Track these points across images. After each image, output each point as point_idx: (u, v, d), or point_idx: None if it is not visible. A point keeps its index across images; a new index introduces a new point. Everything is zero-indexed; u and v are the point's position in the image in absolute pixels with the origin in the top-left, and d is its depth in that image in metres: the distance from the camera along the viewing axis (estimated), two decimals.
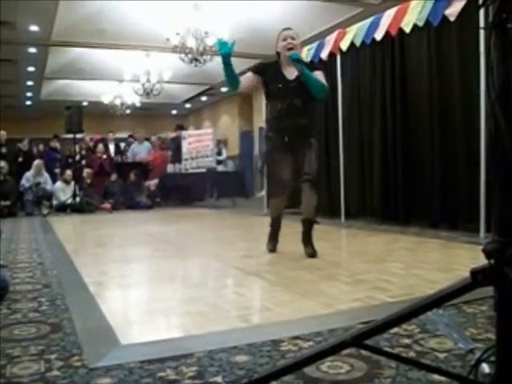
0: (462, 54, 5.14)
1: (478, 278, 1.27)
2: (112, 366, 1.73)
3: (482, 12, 4.15)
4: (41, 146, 12.83)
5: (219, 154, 13.01)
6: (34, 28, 10.17)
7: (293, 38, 3.97)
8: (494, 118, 1.27)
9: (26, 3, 8.71)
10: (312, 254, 3.94)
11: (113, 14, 9.64)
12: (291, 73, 3.95)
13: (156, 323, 2.37)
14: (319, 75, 3.93)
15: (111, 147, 12.76)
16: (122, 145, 13.42)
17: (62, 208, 9.86)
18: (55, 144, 12.42)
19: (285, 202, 4.23)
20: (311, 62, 4.40)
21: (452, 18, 5.15)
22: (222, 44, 3.65)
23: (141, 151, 12.58)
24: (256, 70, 4.08)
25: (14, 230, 6.70)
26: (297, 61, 3.78)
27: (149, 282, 3.48)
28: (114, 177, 11.25)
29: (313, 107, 4.15)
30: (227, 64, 3.71)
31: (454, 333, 1.93)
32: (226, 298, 2.80)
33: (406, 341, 1.88)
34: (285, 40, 3.96)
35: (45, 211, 9.69)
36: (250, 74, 4.06)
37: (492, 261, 1.25)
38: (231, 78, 3.85)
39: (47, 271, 3.61)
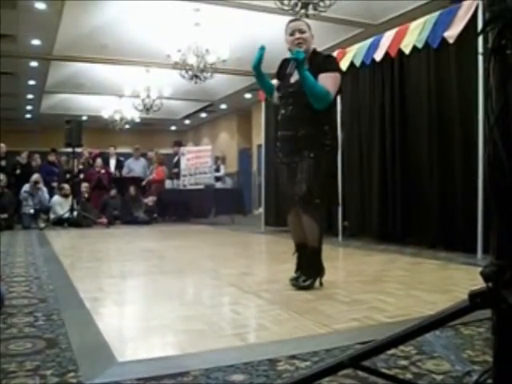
0: (460, 76, 5.19)
1: (476, 300, 1.27)
2: (108, 383, 1.72)
3: (480, 37, 4.19)
4: (38, 160, 12.83)
5: (217, 170, 13.05)
6: (35, 42, 10.24)
7: (301, 32, 3.40)
8: (493, 141, 1.29)
9: (29, 17, 8.79)
10: (298, 285, 3.39)
11: (114, 29, 9.72)
12: (296, 74, 3.33)
13: (152, 340, 2.36)
14: (324, 79, 3.30)
15: (112, 162, 12.76)
16: (121, 159, 13.42)
17: (59, 222, 9.84)
18: (53, 158, 12.43)
19: (295, 222, 3.54)
20: (329, 56, 3.67)
21: (451, 41, 5.20)
22: (260, 49, 3.33)
23: (136, 167, 12.59)
24: (276, 74, 3.62)
25: (11, 243, 6.68)
26: (296, 60, 3.17)
27: (145, 298, 3.47)
28: (113, 192, 11.26)
29: (323, 115, 3.37)
30: (256, 76, 3.47)
31: (451, 355, 1.93)
32: (222, 315, 2.79)
33: (403, 362, 1.88)
34: (292, 34, 3.41)
35: (42, 225, 9.68)
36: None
37: (490, 284, 1.26)
38: (264, 89, 3.68)
39: (43, 286, 3.60)
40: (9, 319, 2.57)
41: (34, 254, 5.61)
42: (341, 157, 6.68)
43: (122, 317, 2.95)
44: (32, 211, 9.95)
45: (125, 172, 12.64)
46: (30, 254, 5.53)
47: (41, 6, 8.39)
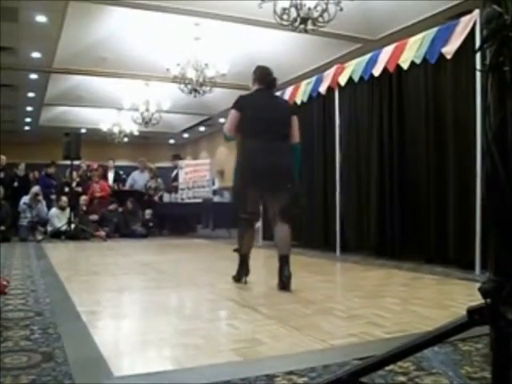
0: (458, 91, 5.21)
1: (475, 317, 1.27)
2: None
3: (478, 53, 4.22)
4: (36, 173, 12.82)
5: (212, 183, 13.05)
6: (36, 55, 10.28)
7: None
8: (491, 157, 1.29)
9: (29, 30, 8.83)
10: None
11: (114, 43, 9.77)
12: None
13: (149, 355, 2.35)
14: None
15: (110, 175, 12.72)
16: (120, 172, 13.38)
17: (57, 234, 9.81)
18: (52, 170, 12.42)
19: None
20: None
21: (449, 56, 5.23)
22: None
23: (140, 180, 12.54)
24: None
25: (8, 256, 6.65)
26: None
27: (142, 312, 3.45)
28: (112, 206, 11.24)
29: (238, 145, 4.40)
30: None
31: (449, 371, 1.92)
32: (220, 330, 2.78)
33: (402, 378, 1.86)
34: None
35: (39, 237, 9.65)
36: None
37: (488, 300, 1.25)
38: None
39: (40, 299, 3.58)
40: (4, 332, 2.56)
41: (30, 266, 5.58)
42: (339, 172, 6.72)
43: (119, 330, 2.94)
44: (29, 224, 9.93)
45: (129, 184, 12.59)
46: (27, 267, 5.51)
47: (41, 19, 8.43)
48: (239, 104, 4.15)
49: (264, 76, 4.26)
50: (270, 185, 4.00)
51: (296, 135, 4.19)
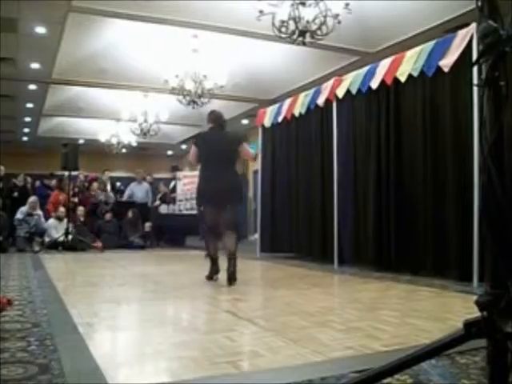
0: (455, 104, 5.23)
1: (471, 330, 1.27)
2: None
3: (475, 67, 4.25)
4: (38, 182, 12.82)
5: None
6: (35, 65, 10.31)
7: None
8: (487, 170, 1.30)
9: (29, 41, 8.87)
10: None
11: (113, 54, 9.81)
12: None
13: (146, 367, 2.34)
14: None
15: (107, 186, 12.68)
16: (118, 184, 13.35)
17: (54, 245, 9.78)
18: (49, 181, 12.39)
19: None
20: None
21: (446, 69, 5.26)
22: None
23: (138, 191, 12.49)
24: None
25: (5, 267, 6.63)
26: None
27: (140, 324, 3.44)
28: (108, 216, 11.21)
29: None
30: None
31: None
32: (217, 342, 2.76)
33: None
34: None
35: (36, 248, 9.62)
36: None
37: (485, 313, 1.26)
38: None
39: (37, 310, 3.56)
40: (1, 344, 2.55)
41: (27, 277, 5.57)
42: (336, 184, 6.73)
43: (116, 342, 2.93)
44: (27, 235, 9.90)
45: (126, 195, 12.54)
46: (24, 278, 5.49)
47: (41, 30, 8.47)
48: (197, 141, 5.38)
49: (217, 119, 5.43)
50: (220, 204, 5.10)
51: (250, 154, 5.79)
